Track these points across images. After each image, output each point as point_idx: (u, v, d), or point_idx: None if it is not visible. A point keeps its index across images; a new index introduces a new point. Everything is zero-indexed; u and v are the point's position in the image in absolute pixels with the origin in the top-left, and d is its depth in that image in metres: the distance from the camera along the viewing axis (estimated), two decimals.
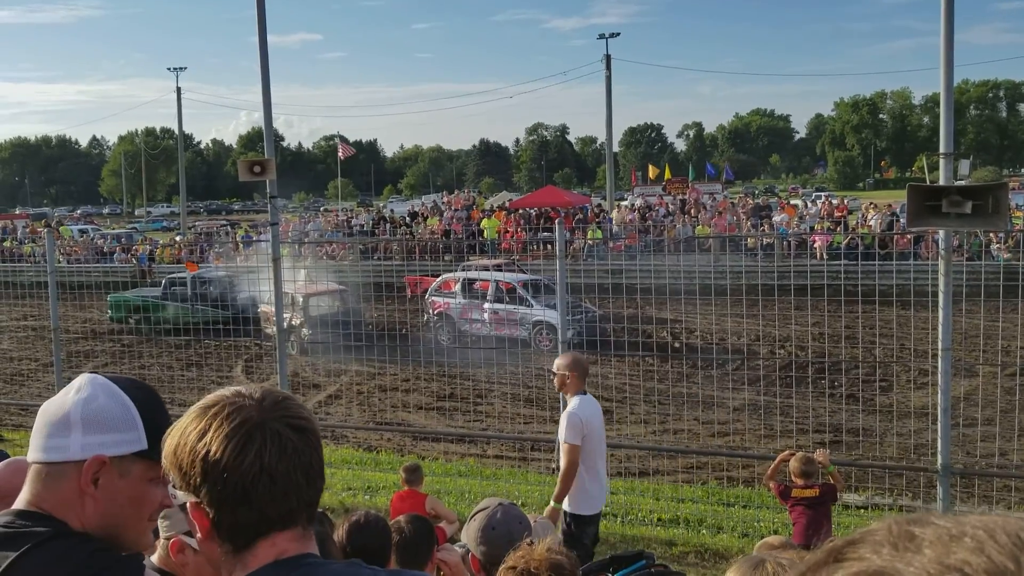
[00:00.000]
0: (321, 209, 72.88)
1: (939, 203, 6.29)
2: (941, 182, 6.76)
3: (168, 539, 1.98)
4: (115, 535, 1.61)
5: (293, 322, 16.09)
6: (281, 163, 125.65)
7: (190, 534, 1.92)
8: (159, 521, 2.00)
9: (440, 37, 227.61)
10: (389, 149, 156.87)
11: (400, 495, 6.27)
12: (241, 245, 29.57)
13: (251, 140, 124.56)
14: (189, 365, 13.72)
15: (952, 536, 0.58)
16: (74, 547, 1.54)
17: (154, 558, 2.06)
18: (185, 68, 62.70)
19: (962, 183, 8.02)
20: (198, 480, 1.34)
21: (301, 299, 16.36)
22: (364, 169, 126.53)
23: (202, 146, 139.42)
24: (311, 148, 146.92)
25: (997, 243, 16.54)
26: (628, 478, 9.18)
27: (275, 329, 8.58)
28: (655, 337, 15.56)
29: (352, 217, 42.94)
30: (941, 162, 6.91)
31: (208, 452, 1.33)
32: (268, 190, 8.54)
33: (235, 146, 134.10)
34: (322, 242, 30.91)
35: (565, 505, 5.72)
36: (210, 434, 1.34)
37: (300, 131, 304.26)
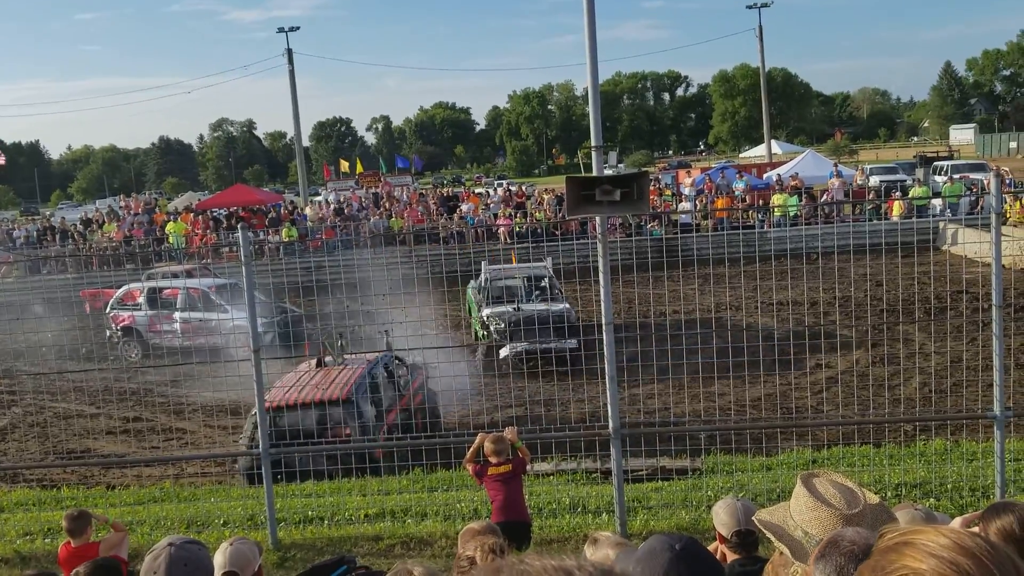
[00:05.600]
0: None
1: (593, 192, 6.97)
2: (594, 172, 7.47)
3: None
4: None
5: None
6: None
7: None
8: None
9: (108, 28, 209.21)
10: (55, 150, 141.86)
11: (69, 551, 5.48)
12: None
13: None
14: None
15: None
16: None
17: None
18: None
19: (612, 172, 8.96)
20: None
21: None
22: (26, 174, 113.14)
23: None
24: None
25: (651, 222, 18.76)
26: (340, 479, 9.18)
27: None
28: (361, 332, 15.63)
29: (14, 228, 38.42)
30: (593, 154, 7.65)
31: None
32: None
33: None
34: None
35: None
36: None
37: None
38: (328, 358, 10.26)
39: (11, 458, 11.78)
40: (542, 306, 12.97)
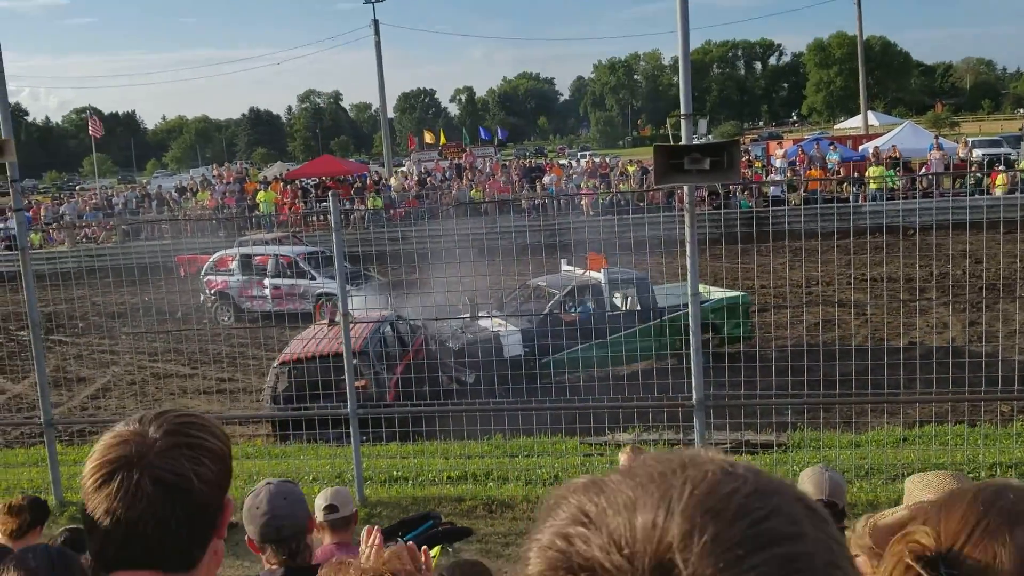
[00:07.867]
0: (77, 188, 67.36)
1: (682, 161, 6.86)
2: (683, 141, 7.35)
3: None
4: None
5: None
6: (26, 140, 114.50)
7: None
8: None
9: (202, 1, 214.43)
10: (150, 121, 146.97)
11: None
12: None
13: None
14: None
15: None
16: None
17: None
18: None
19: (702, 141, 8.78)
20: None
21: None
22: (123, 143, 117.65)
23: None
24: (61, 122, 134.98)
25: (742, 193, 18.40)
26: (418, 441, 9.38)
27: (34, 335, 7.96)
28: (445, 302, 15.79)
29: (113, 195, 40.10)
30: (682, 122, 7.50)
31: (83, 475, 1.40)
32: (9, 174, 7.86)
33: None
34: (79, 226, 28.64)
35: None
36: (89, 460, 1.40)
37: (48, 104, 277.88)
38: (339, 317, 10.59)
39: (111, 414, 12.36)
40: (496, 324, 11.08)
